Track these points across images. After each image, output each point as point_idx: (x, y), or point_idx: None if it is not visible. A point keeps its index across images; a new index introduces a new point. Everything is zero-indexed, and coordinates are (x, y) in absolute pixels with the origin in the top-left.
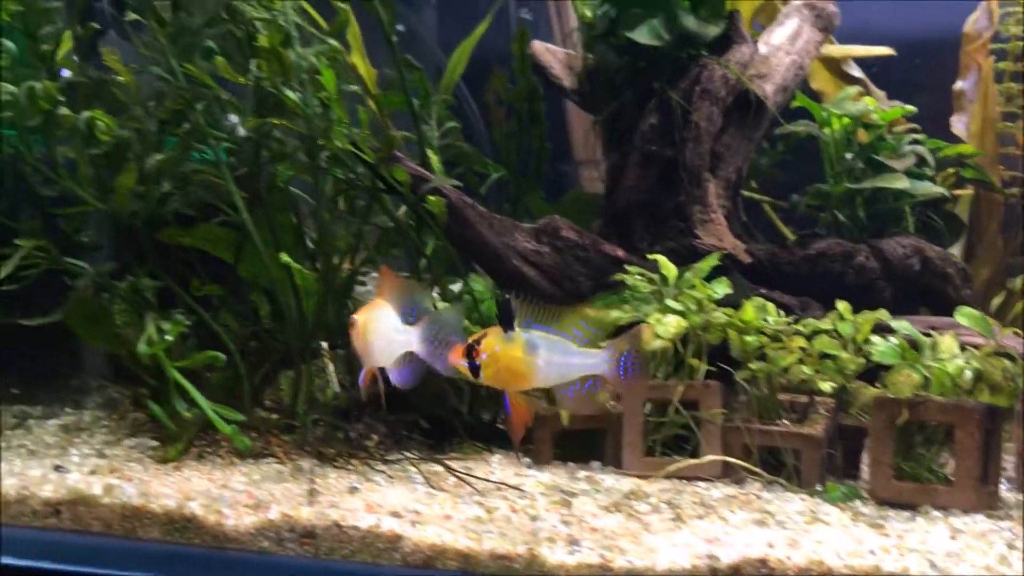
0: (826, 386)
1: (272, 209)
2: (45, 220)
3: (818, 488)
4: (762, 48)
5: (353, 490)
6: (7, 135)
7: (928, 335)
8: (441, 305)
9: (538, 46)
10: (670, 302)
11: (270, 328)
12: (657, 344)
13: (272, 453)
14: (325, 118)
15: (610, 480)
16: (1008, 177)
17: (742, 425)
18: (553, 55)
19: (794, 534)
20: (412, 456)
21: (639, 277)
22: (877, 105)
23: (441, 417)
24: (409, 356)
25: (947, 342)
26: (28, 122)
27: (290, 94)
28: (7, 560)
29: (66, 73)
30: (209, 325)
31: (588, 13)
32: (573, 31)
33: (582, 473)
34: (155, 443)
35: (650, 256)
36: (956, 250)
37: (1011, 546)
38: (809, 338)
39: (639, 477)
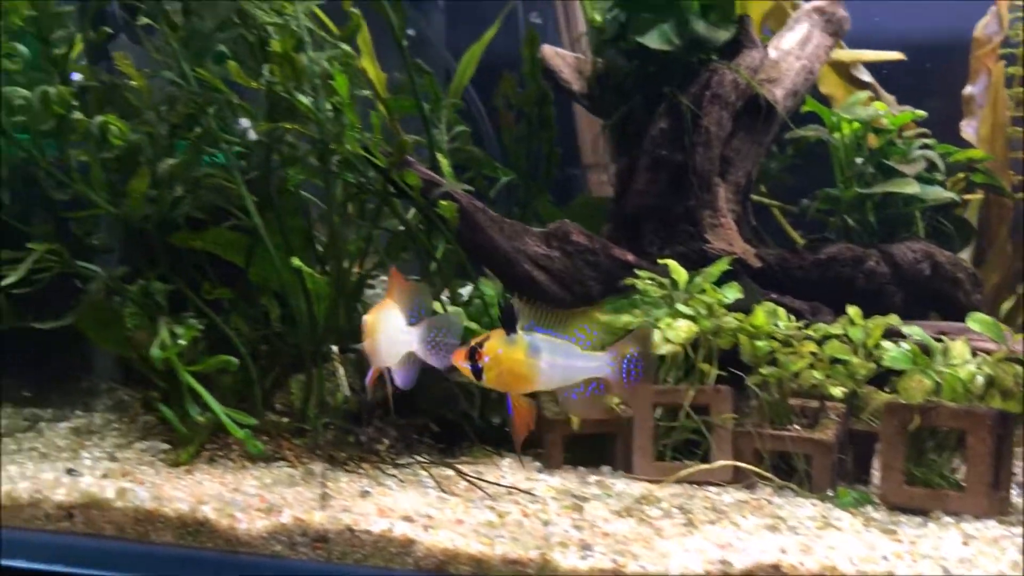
0: (837, 391)
1: (283, 213)
2: (57, 224)
3: (829, 493)
4: (772, 53)
5: (365, 494)
6: (20, 139)
7: (939, 340)
8: (452, 309)
9: (548, 50)
10: (680, 307)
11: (281, 332)
12: (667, 349)
13: (283, 457)
14: (337, 122)
15: (621, 485)
16: (1018, 182)
17: (753, 430)
18: (563, 59)
19: (806, 539)
20: (423, 460)
21: (649, 281)
22: (887, 110)
23: (451, 421)
24: (411, 357)
25: (959, 347)
26: (41, 126)
27: (302, 98)
28: (21, 564)
29: (76, 76)
30: (220, 329)
31: (598, 17)
32: (582, 35)
33: (593, 477)
34: (166, 446)
35: (660, 260)
36: (966, 255)
37: None
38: (820, 343)
39: (650, 482)
